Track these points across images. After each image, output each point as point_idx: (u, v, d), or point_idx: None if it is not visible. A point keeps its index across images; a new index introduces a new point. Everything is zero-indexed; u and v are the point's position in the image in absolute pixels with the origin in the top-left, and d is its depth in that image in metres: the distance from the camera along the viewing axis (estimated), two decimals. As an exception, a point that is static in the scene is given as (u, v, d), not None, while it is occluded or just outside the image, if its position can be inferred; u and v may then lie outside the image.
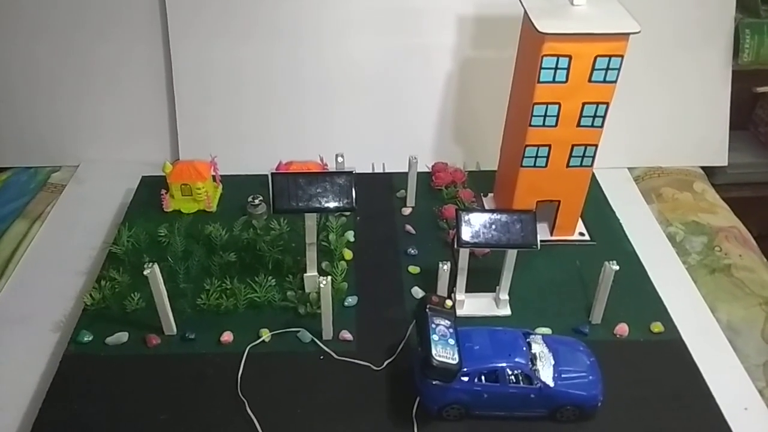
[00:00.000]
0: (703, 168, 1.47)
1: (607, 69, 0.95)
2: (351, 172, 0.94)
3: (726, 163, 1.45)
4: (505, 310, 1.02)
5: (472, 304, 1.02)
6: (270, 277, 1.03)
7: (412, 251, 1.12)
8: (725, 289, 1.14)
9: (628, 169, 1.42)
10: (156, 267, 0.88)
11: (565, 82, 0.96)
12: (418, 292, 1.04)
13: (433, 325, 0.83)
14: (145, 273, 0.87)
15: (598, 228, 1.18)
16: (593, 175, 1.29)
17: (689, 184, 1.39)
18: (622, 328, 0.99)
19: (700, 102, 1.42)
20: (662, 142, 1.44)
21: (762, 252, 1.31)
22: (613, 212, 1.23)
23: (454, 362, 0.80)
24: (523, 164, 1.06)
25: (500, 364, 0.83)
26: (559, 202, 1.12)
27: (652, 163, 1.43)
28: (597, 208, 1.23)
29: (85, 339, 0.94)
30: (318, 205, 0.92)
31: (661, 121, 1.42)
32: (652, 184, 1.39)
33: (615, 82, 0.97)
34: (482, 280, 1.03)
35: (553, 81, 0.96)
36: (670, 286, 1.09)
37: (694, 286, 1.13)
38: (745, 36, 1.40)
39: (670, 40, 1.37)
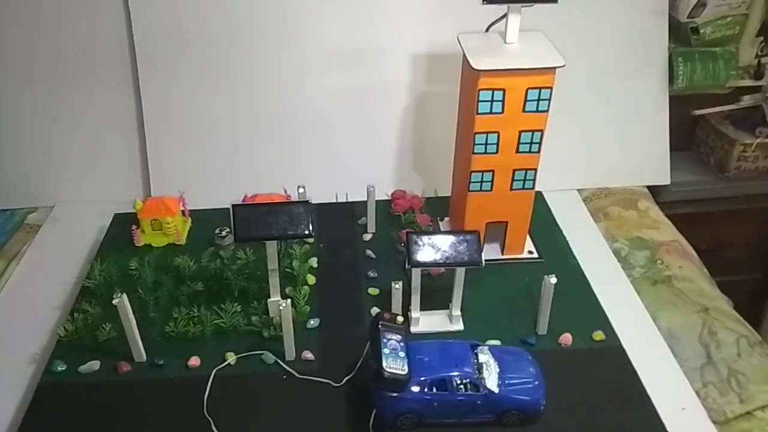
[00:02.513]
0: (649, 187, 1.56)
1: (539, 100, 1.04)
2: (308, 202, 1.02)
3: (669, 182, 1.54)
4: (458, 326, 1.08)
5: (426, 321, 1.08)
6: (236, 304, 1.08)
7: (372, 274, 1.19)
8: (666, 298, 1.22)
9: (578, 190, 1.51)
10: (125, 296, 0.94)
11: (502, 113, 1.05)
12: (377, 312, 1.11)
13: (385, 340, 0.90)
14: (114, 302, 0.93)
15: (546, 246, 1.26)
16: (542, 196, 1.39)
17: (634, 203, 1.48)
18: (566, 338, 1.06)
19: (641, 126, 1.52)
20: (608, 164, 1.53)
21: (707, 264, 1.40)
22: (561, 231, 1.31)
23: (404, 373, 0.87)
24: (470, 189, 1.14)
25: (448, 374, 0.89)
26: (507, 222, 1.19)
27: (599, 185, 1.53)
28: (545, 228, 1.30)
29: (59, 368, 0.99)
30: (277, 233, 0.99)
31: (607, 145, 1.52)
32: (599, 204, 1.47)
33: (546, 111, 1.06)
34: (438, 298, 1.10)
35: (491, 112, 1.05)
36: (614, 297, 1.16)
37: (637, 297, 1.20)
38: (678, 64, 1.51)
39: (611, 71, 1.48)
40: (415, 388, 0.89)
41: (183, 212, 1.29)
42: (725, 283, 1.37)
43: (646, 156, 1.54)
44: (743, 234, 1.68)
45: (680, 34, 1.54)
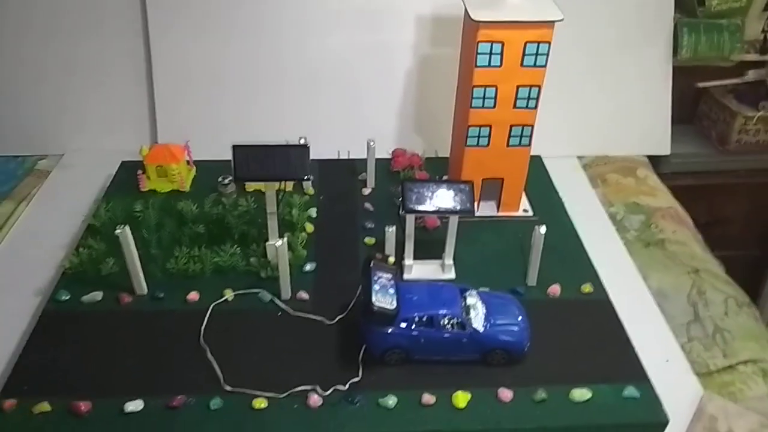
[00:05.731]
0: (650, 158, 1.57)
1: (537, 54, 1.06)
2: (305, 146, 1.04)
3: (669, 152, 1.55)
4: (450, 275, 1.11)
5: (419, 270, 1.11)
6: (235, 246, 1.12)
7: (369, 225, 1.22)
8: (658, 260, 1.24)
9: (578, 157, 1.53)
10: (127, 228, 0.97)
11: (500, 66, 1.07)
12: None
13: (375, 277, 0.93)
14: (116, 233, 0.96)
15: (542, 206, 1.28)
16: (541, 160, 1.41)
17: (633, 171, 1.50)
18: (555, 289, 1.08)
19: (643, 95, 1.53)
20: (609, 132, 1.54)
21: (706, 239, 1.41)
22: (557, 193, 1.33)
23: (392, 308, 0.90)
24: (468, 144, 1.16)
25: (435, 312, 0.92)
26: (503, 179, 1.21)
27: (599, 152, 1.54)
28: (542, 191, 1.32)
29: (63, 298, 1.03)
30: (275, 174, 1.02)
31: (608, 113, 1.53)
32: (598, 171, 1.49)
33: (545, 66, 1.07)
34: (432, 250, 1.12)
35: (489, 65, 1.07)
36: (606, 256, 1.19)
37: (629, 257, 1.23)
38: (683, 34, 1.52)
39: (615, 39, 1.49)
40: (403, 324, 0.92)
41: (188, 161, 1.32)
42: (723, 258, 1.37)
43: (647, 125, 1.55)
44: (742, 209, 1.69)
45: (686, 4, 1.54)
